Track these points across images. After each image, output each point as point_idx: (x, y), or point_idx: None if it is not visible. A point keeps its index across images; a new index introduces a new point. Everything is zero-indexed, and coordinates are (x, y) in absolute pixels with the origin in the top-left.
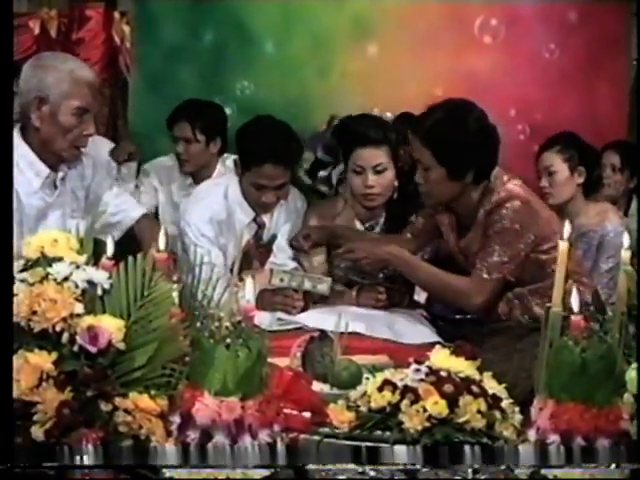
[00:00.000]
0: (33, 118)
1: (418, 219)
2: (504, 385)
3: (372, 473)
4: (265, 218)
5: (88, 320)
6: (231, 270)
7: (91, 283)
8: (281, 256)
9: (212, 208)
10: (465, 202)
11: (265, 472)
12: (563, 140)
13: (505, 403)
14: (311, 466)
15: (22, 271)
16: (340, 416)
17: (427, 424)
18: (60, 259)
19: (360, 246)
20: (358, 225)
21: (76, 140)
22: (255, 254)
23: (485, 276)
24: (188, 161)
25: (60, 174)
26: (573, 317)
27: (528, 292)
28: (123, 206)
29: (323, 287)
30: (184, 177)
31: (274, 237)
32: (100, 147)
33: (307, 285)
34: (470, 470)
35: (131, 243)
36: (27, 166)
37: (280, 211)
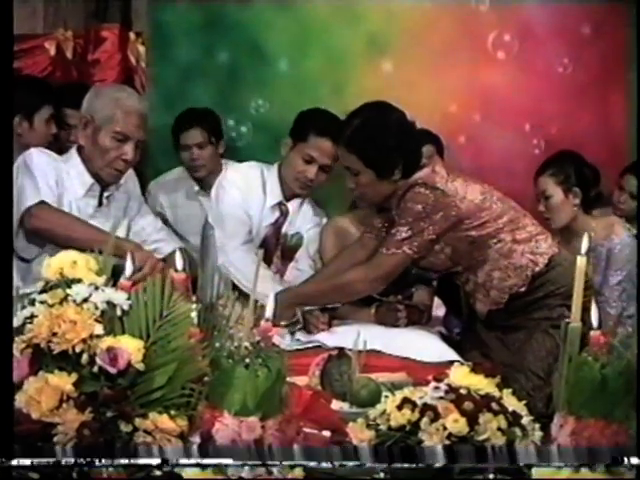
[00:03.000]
0: (79, 137)
1: (376, 219)
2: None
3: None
4: (290, 206)
5: (107, 341)
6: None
7: (110, 304)
8: (303, 263)
9: (250, 176)
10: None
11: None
12: (557, 162)
13: (525, 420)
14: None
15: (42, 292)
16: (360, 435)
17: (447, 442)
18: (79, 280)
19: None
20: None
21: (113, 162)
22: (274, 245)
23: (383, 251)
24: (204, 165)
25: (106, 193)
26: (592, 333)
27: (475, 286)
28: (164, 239)
29: None
30: (190, 186)
31: (299, 239)
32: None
33: None
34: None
35: None
36: (77, 175)
37: (304, 208)
